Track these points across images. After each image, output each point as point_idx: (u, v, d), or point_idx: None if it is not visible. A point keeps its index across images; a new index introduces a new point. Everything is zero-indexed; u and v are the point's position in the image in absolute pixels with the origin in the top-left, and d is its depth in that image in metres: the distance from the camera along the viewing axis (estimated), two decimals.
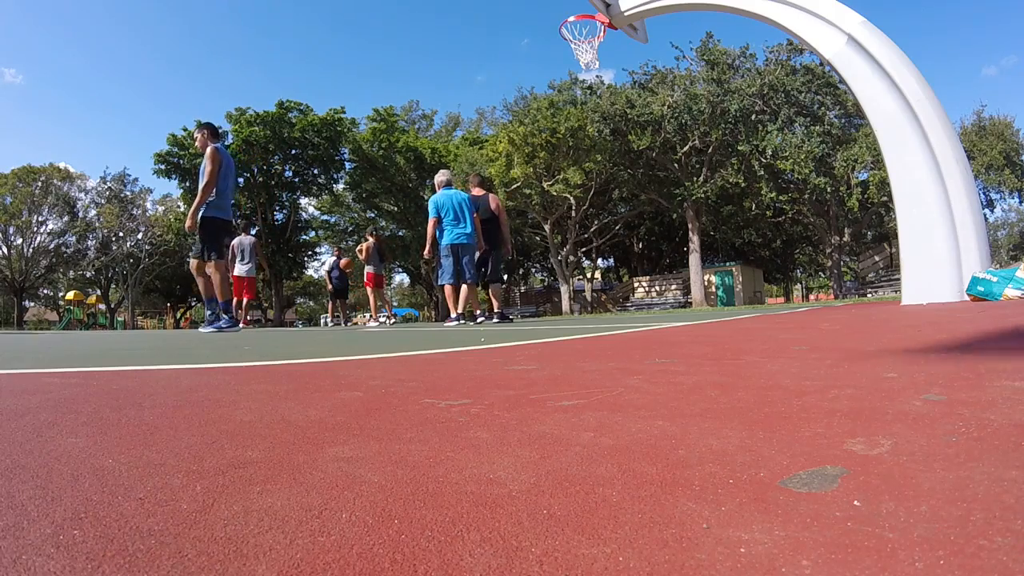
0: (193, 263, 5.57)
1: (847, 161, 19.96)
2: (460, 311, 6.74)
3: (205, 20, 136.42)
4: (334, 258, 11.37)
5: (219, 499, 0.55)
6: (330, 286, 11.43)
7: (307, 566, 0.40)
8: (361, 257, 10.36)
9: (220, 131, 5.89)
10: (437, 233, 6.71)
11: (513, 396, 1.08)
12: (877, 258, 28.25)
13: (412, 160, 29.77)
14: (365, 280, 10.33)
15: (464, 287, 6.63)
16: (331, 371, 1.64)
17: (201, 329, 5.97)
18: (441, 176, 6.88)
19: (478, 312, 6.95)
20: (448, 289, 6.72)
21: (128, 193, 37.84)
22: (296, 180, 32.73)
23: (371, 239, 10.43)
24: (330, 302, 11.80)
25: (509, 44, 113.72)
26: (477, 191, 7.08)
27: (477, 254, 6.83)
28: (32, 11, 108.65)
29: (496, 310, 7.08)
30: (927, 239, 6.15)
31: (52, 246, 36.31)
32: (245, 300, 9.50)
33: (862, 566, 0.37)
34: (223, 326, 5.56)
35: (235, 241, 9.50)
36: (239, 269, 9.52)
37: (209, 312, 5.75)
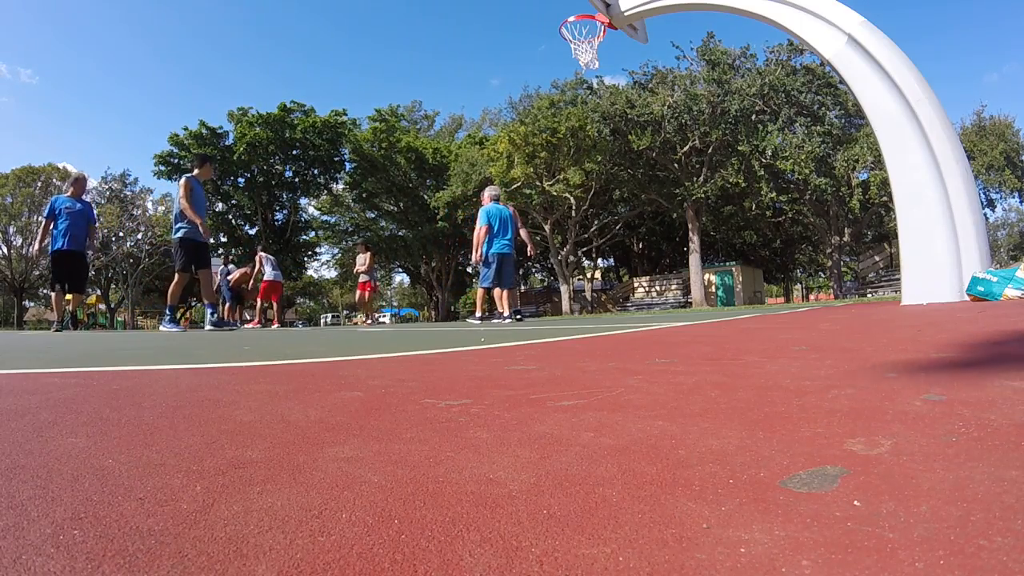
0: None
1: (848, 161, 19.93)
2: (482, 313, 7.35)
3: (214, 20, 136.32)
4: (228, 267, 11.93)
5: (219, 499, 0.55)
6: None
7: (307, 566, 0.40)
8: (362, 269, 11.40)
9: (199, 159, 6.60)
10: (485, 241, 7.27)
11: (513, 396, 1.08)
12: (877, 258, 28.23)
13: (413, 160, 29.77)
14: (360, 288, 11.46)
15: (505, 292, 7.18)
16: (331, 371, 1.64)
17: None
18: (493, 191, 7.58)
19: (506, 312, 7.40)
20: (481, 292, 7.36)
21: (128, 193, 37.88)
22: (296, 180, 32.73)
23: (368, 252, 11.43)
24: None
25: (525, 49, 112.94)
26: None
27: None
28: (36, 9, 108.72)
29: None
30: (927, 239, 6.14)
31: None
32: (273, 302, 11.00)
33: (862, 566, 0.37)
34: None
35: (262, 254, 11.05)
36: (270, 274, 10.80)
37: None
